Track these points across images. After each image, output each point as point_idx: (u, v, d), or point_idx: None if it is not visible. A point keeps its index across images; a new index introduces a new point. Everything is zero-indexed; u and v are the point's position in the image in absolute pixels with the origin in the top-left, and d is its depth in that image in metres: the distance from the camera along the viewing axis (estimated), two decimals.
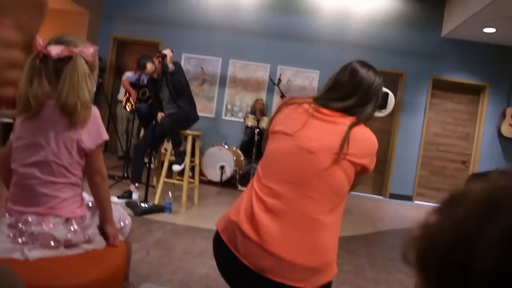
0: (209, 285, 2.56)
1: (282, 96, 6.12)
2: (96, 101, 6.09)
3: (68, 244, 1.45)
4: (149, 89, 5.05)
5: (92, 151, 1.51)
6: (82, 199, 1.58)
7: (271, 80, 6.58)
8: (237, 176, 6.17)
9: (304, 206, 1.33)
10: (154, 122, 4.21)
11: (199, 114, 4.65)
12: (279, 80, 6.44)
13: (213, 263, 1.48)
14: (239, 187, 6.04)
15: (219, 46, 7.38)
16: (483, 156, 7.16)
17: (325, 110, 1.42)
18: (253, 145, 6.29)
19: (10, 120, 3.38)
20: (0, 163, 1.56)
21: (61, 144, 1.45)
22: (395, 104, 7.08)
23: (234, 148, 6.41)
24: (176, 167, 4.41)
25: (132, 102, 6.48)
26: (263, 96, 7.32)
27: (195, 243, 3.33)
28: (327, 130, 1.39)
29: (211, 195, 5.39)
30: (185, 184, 4.36)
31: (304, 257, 1.31)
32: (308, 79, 7.31)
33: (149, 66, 4.32)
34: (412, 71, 7.21)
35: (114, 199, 4.23)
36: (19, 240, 1.38)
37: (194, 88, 4.66)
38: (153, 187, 4.90)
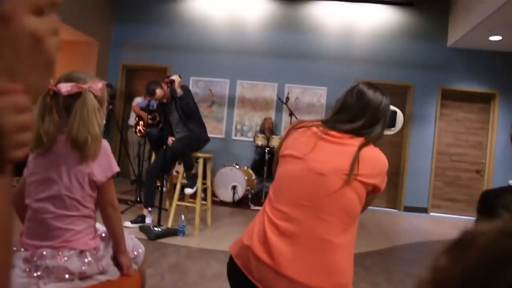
0: None
1: (291, 114, 6.15)
2: (108, 127, 6.20)
3: (83, 276, 1.47)
4: (159, 113, 5.12)
5: (103, 183, 1.54)
6: (96, 230, 1.61)
7: (279, 99, 6.63)
8: (250, 196, 6.17)
9: (316, 228, 1.34)
10: (164, 146, 4.26)
11: (209, 135, 4.70)
12: (287, 98, 6.48)
13: (227, 285, 1.49)
14: (252, 206, 6.03)
15: (226, 68, 7.48)
16: (497, 164, 7.07)
17: (333, 132, 1.44)
18: (264, 163, 6.31)
19: None
20: (14, 198, 1.60)
21: (73, 178, 1.48)
22: (405, 116, 7.07)
23: (245, 168, 6.43)
24: (188, 191, 4.43)
25: (143, 125, 6.57)
26: (272, 114, 7.36)
27: (209, 266, 3.32)
28: (337, 152, 1.40)
29: (224, 215, 5.39)
30: (197, 206, 4.38)
31: (318, 279, 1.30)
32: (316, 96, 7.34)
33: (158, 92, 4.39)
34: (420, 82, 7.20)
35: (127, 224, 4.27)
36: (34, 274, 1.40)
37: (203, 110, 4.73)
38: (166, 210, 4.92)
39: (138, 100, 6.98)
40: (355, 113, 1.46)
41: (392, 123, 1.69)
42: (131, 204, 5.11)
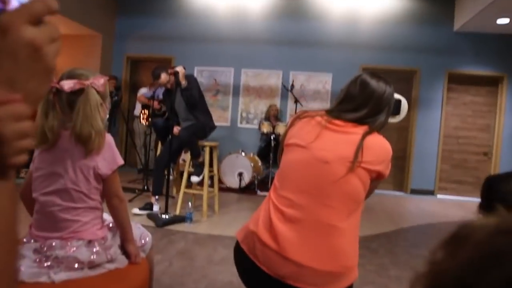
0: None
1: (296, 101, 6.15)
2: (114, 118, 6.26)
3: (92, 265, 1.52)
4: (164, 102, 5.15)
5: (108, 176, 1.58)
6: (103, 221, 1.66)
7: (284, 86, 6.61)
8: (256, 182, 6.24)
9: (321, 214, 1.37)
10: (170, 136, 4.30)
11: (215, 123, 4.74)
12: (292, 85, 6.47)
13: (235, 270, 1.53)
14: (258, 192, 6.10)
15: (230, 57, 7.47)
16: (505, 146, 7.03)
17: (337, 121, 1.46)
18: (270, 150, 6.34)
19: None
20: (22, 192, 1.65)
21: (78, 172, 1.53)
22: (411, 101, 7.04)
23: (251, 155, 6.47)
24: (195, 179, 4.49)
25: (148, 114, 6.63)
26: (277, 102, 7.36)
27: (217, 251, 3.39)
28: (341, 140, 1.42)
29: (231, 202, 5.45)
30: (205, 193, 4.44)
31: (323, 262, 1.34)
32: (322, 83, 7.32)
33: (163, 76, 4.43)
34: (427, 67, 7.14)
35: (135, 210, 4.35)
36: (45, 264, 1.46)
37: (208, 99, 4.75)
38: (173, 198, 5.00)
39: (143, 91, 7.05)
40: (359, 103, 1.48)
41: (397, 111, 1.71)
42: (139, 192, 5.20)
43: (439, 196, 7.19)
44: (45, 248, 1.48)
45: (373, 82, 1.49)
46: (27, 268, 1.44)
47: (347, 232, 1.38)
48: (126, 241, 1.69)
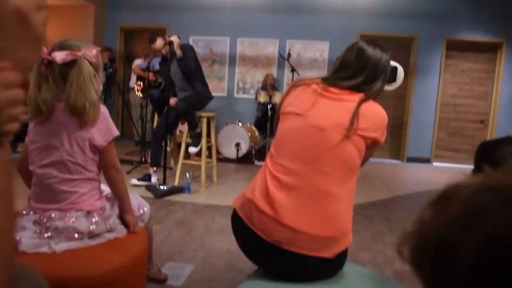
0: (231, 259, 2.65)
1: (293, 70, 6.10)
2: (109, 90, 6.21)
3: (92, 235, 1.55)
4: (161, 72, 5.07)
5: (104, 147, 1.59)
6: (100, 191, 1.68)
7: (280, 55, 6.53)
8: (253, 152, 6.27)
9: (316, 181, 1.38)
10: (166, 107, 4.28)
11: (212, 94, 4.70)
12: (289, 54, 6.40)
13: (233, 238, 1.56)
14: (256, 162, 6.14)
15: (226, 26, 7.34)
16: (501, 113, 7.04)
17: (333, 89, 1.47)
18: (267, 120, 6.33)
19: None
20: (19, 165, 1.66)
21: (74, 144, 1.53)
22: (409, 68, 6.98)
23: (248, 125, 6.48)
24: (193, 149, 4.50)
25: (143, 86, 6.56)
26: (274, 71, 7.29)
27: (215, 221, 3.44)
28: (336, 107, 1.43)
29: (229, 172, 5.50)
30: (203, 164, 4.47)
31: (318, 228, 1.37)
32: (319, 51, 7.23)
33: (159, 41, 4.32)
34: (425, 34, 7.04)
35: (134, 181, 4.39)
36: (45, 235, 1.48)
37: (204, 69, 4.71)
38: (171, 169, 5.03)
39: (138, 62, 6.96)
40: (355, 70, 1.48)
41: (393, 78, 1.70)
42: (136, 164, 5.22)
43: (435, 164, 7.25)
44: (44, 220, 1.50)
45: (369, 49, 1.49)
46: (28, 239, 1.46)
47: (342, 198, 1.41)
48: (124, 211, 1.71)
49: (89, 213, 1.57)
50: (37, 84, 1.48)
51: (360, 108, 1.40)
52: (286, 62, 6.44)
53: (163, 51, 4.38)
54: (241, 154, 6.13)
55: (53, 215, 1.50)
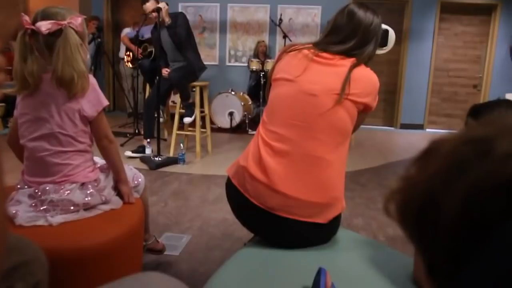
0: (226, 228, 2.69)
1: (285, 36, 6.00)
2: (99, 61, 6.08)
3: (87, 207, 1.55)
4: (152, 40, 4.92)
5: (94, 118, 1.57)
6: (94, 163, 1.67)
7: (272, 21, 6.40)
8: (247, 121, 6.25)
9: (309, 147, 1.39)
10: (158, 77, 4.21)
11: (204, 63, 4.61)
12: (280, 20, 6.28)
13: (229, 208, 1.57)
14: (250, 131, 6.13)
15: None
16: (495, 78, 7.03)
17: (325, 54, 1.45)
18: (259, 88, 6.28)
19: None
20: (9, 140, 1.64)
21: (63, 115, 1.50)
22: (402, 33, 6.89)
23: (241, 94, 6.42)
24: (187, 120, 4.47)
25: (133, 57, 6.43)
26: (266, 38, 7.17)
27: (210, 190, 3.46)
28: (328, 72, 1.42)
29: (223, 142, 5.50)
30: (197, 134, 4.46)
31: (310, 193, 1.38)
32: (310, 16, 7.10)
33: (150, 3, 4.13)
34: None
35: (128, 153, 4.38)
36: (41, 208, 1.48)
37: (195, 37, 4.60)
38: (165, 140, 5.01)
39: (127, 31, 6.76)
40: (346, 34, 1.46)
41: (384, 42, 1.67)
42: (130, 136, 5.19)
43: (428, 130, 7.29)
44: (39, 193, 1.50)
45: (361, 13, 1.47)
46: (24, 213, 1.46)
47: (334, 164, 1.41)
48: (119, 181, 1.71)
49: (83, 185, 1.56)
50: (22, 56, 1.43)
51: (352, 73, 1.39)
52: (277, 28, 6.33)
53: (151, 16, 4.21)
54: (234, 123, 6.11)
55: (47, 188, 1.50)
